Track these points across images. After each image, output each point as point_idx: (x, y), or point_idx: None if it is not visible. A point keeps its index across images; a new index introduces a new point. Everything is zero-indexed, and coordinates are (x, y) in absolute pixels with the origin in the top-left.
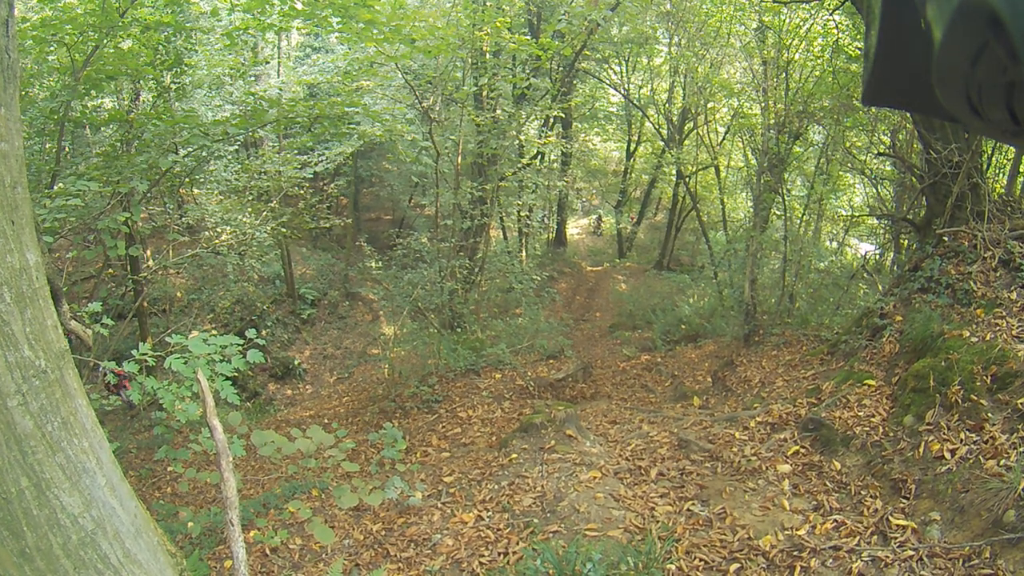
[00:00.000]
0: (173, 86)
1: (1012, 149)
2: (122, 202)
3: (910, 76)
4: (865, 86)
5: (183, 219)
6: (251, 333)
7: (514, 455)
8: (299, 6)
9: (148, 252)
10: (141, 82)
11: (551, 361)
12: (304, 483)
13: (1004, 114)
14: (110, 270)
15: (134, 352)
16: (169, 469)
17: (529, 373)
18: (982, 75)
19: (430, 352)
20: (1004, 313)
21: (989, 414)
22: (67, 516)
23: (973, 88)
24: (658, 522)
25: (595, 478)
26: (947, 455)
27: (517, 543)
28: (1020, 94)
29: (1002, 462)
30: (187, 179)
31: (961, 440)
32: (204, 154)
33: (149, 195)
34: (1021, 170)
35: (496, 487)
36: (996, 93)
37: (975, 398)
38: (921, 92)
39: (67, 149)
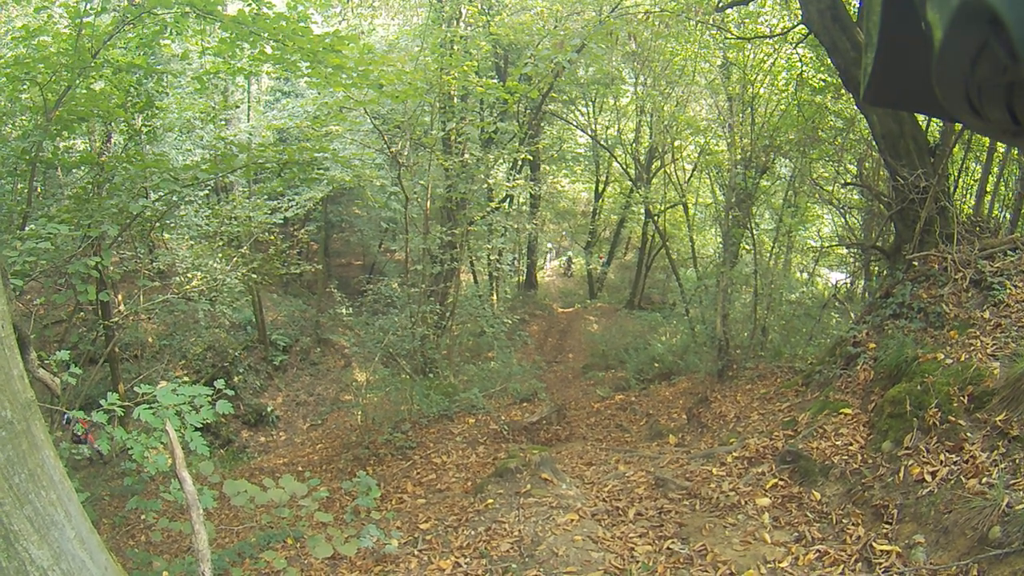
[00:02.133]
0: (144, 129)
1: (979, 169)
2: (93, 246)
3: (910, 76)
4: (865, 87)
5: (154, 264)
6: (220, 383)
7: (490, 500)
8: (268, 50)
9: (119, 297)
10: (112, 124)
11: (525, 404)
12: (279, 532)
13: (1004, 114)
14: (80, 314)
15: (102, 402)
16: (143, 517)
17: (503, 417)
18: (982, 75)
19: (403, 398)
20: (978, 332)
21: (968, 434)
22: (37, 569)
23: (973, 88)
24: (638, 562)
25: (573, 521)
26: (928, 477)
27: None
28: (1020, 94)
29: (984, 480)
30: (157, 224)
31: (941, 462)
32: (174, 199)
33: (120, 239)
34: (988, 189)
35: (473, 533)
36: (996, 93)
37: (953, 419)
38: (921, 92)
39: (39, 190)
